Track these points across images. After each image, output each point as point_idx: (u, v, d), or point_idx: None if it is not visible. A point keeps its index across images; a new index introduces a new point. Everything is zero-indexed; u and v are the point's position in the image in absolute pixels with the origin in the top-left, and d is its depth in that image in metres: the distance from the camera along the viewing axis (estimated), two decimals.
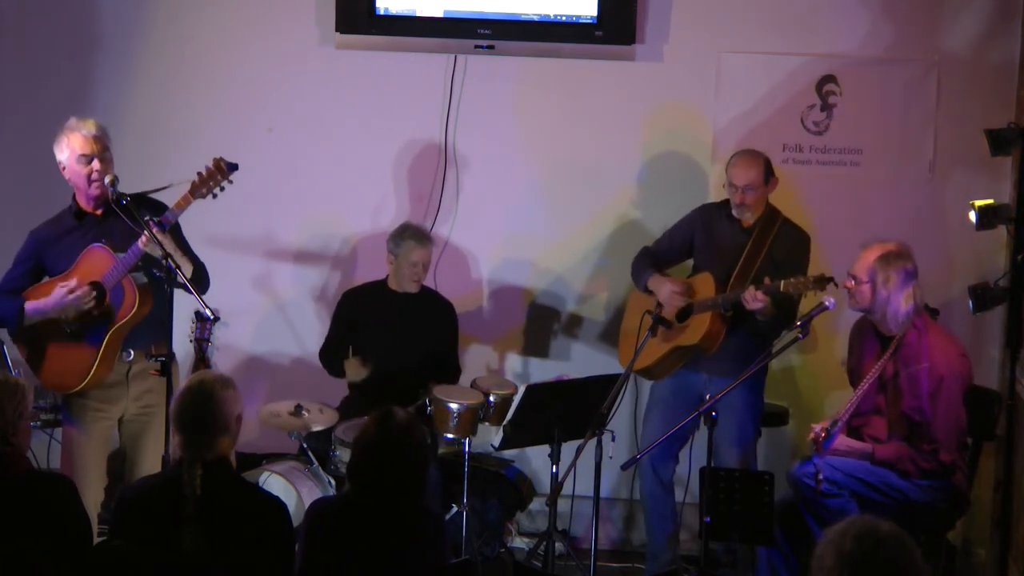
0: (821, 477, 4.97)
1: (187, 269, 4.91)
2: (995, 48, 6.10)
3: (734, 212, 5.58)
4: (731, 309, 5.42)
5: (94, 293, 4.96)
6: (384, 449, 3.86)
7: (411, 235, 5.91)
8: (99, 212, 5.10)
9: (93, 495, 5.05)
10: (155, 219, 4.91)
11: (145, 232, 4.84)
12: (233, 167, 4.94)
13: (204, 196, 4.94)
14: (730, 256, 5.55)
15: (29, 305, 5.04)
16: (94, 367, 5.00)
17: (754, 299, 5.24)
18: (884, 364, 5.09)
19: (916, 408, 5.03)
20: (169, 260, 4.80)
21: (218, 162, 4.94)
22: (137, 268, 4.96)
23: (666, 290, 5.56)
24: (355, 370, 5.83)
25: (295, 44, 6.34)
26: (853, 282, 5.14)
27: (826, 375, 6.26)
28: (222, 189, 4.95)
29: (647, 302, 5.65)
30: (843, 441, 5.06)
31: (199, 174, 4.94)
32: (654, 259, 5.76)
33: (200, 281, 5.08)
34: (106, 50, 6.40)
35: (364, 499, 3.87)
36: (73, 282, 4.96)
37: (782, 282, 5.19)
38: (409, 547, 3.84)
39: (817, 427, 5.04)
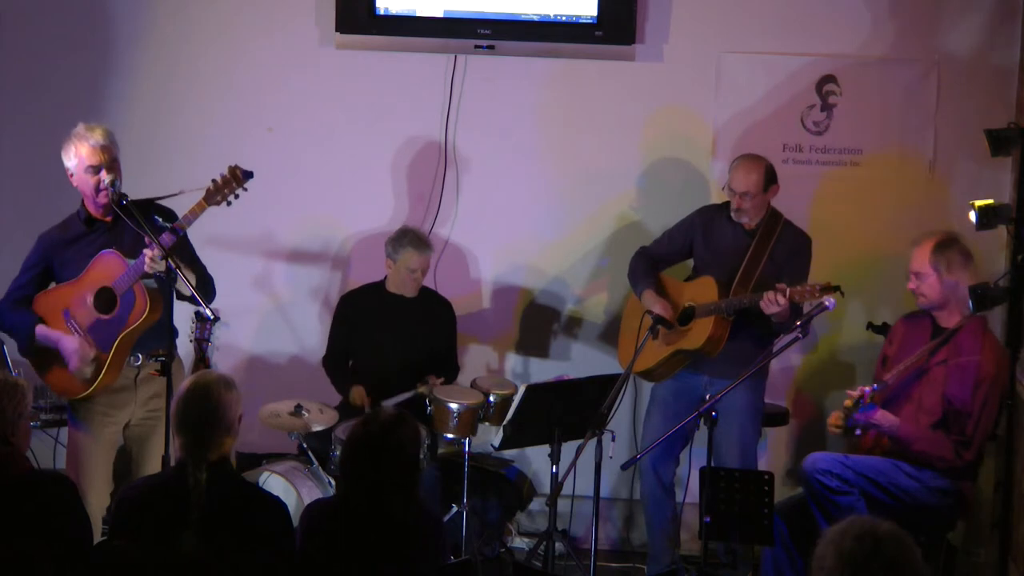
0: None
1: (191, 278, 4.90)
2: (995, 48, 6.10)
3: (732, 215, 5.58)
4: (734, 313, 5.42)
5: (92, 370, 4.99)
6: (367, 447, 3.86)
7: (410, 242, 5.90)
8: (108, 219, 5.10)
9: (99, 499, 5.04)
10: (169, 225, 4.91)
11: (147, 250, 4.84)
12: (248, 175, 4.93)
13: (219, 203, 4.94)
14: (732, 259, 5.54)
15: (40, 331, 5.05)
16: (103, 373, 5.00)
17: (773, 303, 5.22)
18: (936, 346, 5.14)
19: (959, 397, 5.07)
20: (170, 260, 4.80)
21: (234, 170, 4.94)
22: (148, 275, 4.96)
23: (657, 311, 5.54)
24: (359, 398, 5.81)
25: (295, 44, 6.34)
26: (916, 278, 5.18)
27: (826, 375, 6.26)
28: (236, 196, 4.95)
29: None
30: (879, 412, 5.10)
31: (214, 181, 4.93)
32: (652, 260, 5.74)
33: (204, 291, 5.06)
34: (106, 51, 6.40)
35: (354, 498, 3.87)
36: (91, 353, 4.98)
37: (788, 289, 5.18)
38: (406, 547, 3.83)
39: (867, 390, 5.08)
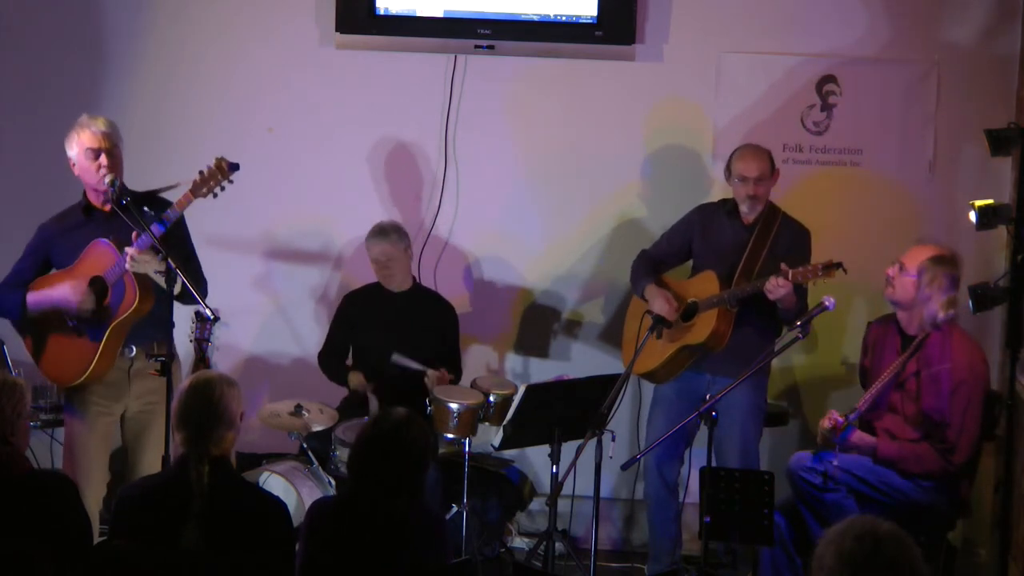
0: (832, 469, 5.01)
1: (177, 286, 4.90)
2: (995, 48, 6.10)
3: (743, 207, 5.56)
4: (736, 304, 5.42)
5: (93, 300, 4.99)
6: (379, 445, 3.87)
7: (371, 232, 5.94)
8: (107, 208, 5.12)
9: (95, 490, 5.08)
10: (156, 216, 4.92)
11: (129, 248, 4.85)
12: (234, 167, 4.96)
13: (205, 195, 4.96)
14: (731, 255, 5.54)
15: (31, 296, 5.08)
16: (94, 362, 5.01)
17: (778, 287, 5.22)
18: (905, 361, 5.11)
19: (936, 408, 5.05)
20: (168, 261, 4.82)
21: (220, 162, 4.96)
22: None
23: (659, 304, 5.54)
24: (358, 383, 5.83)
25: (295, 44, 6.34)
26: (898, 269, 5.15)
27: (826, 375, 6.26)
28: (223, 188, 4.97)
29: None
30: (855, 434, 5.08)
31: (200, 173, 4.96)
32: (653, 262, 5.74)
33: (195, 291, 5.03)
34: (107, 51, 6.40)
35: (361, 495, 3.88)
36: (82, 287, 4.98)
37: (791, 271, 5.18)
38: (408, 546, 3.84)
39: (835, 416, 5.05)
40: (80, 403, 5.14)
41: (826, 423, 5.09)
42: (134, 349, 5.11)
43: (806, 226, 5.60)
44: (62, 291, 5.03)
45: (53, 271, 5.18)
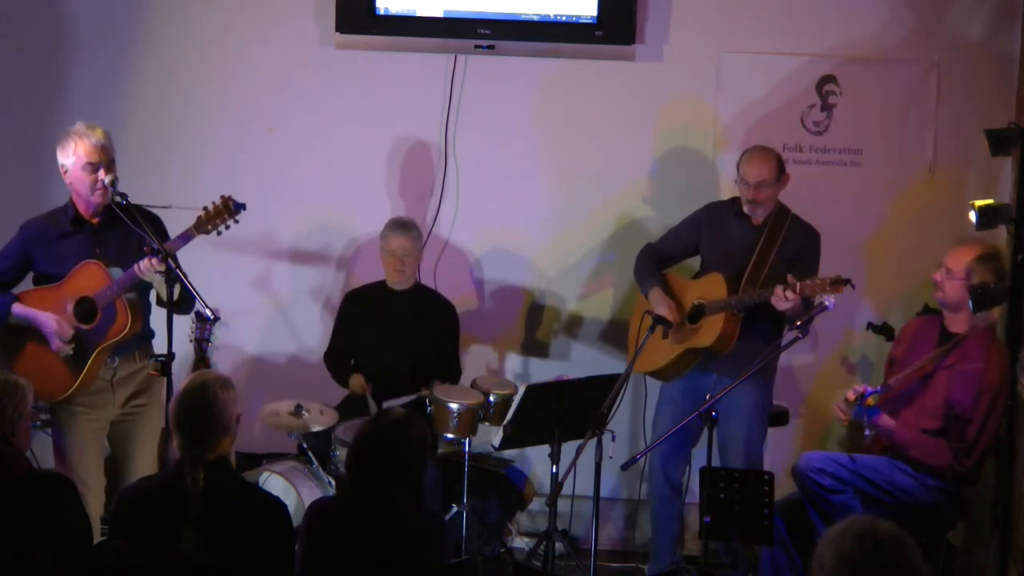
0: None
1: (176, 291, 4.89)
2: (995, 48, 6.09)
3: (746, 209, 5.56)
4: (744, 310, 5.41)
5: (73, 346, 4.98)
6: (377, 444, 3.87)
7: (391, 225, 5.95)
8: (96, 221, 5.09)
9: (95, 499, 5.05)
10: (155, 247, 4.85)
11: (144, 260, 4.83)
12: (240, 207, 4.94)
13: (208, 232, 4.94)
14: (740, 255, 5.53)
15: (17, 308, 5.04)
16: (78, 381, 5.01)
17: (784, 299, 5.21)
18: (947, 351, 5.14)
19: (961, 402, 5.07)
20: (170, 261, 4.81)
21: (226, 200, 4.93)
22: (130, 290, 4.97)
23: (662, 311, 5.53)
24: (359, 385, 5.83)
25: (295, 44, 6.34)
26: (945, 273, 5.18)
27: (827, 375, 6.25)
28: (227, 227, 4.95)
29: None
30: (881, 418, 5.09)
31: (205, 209, 4.93)
32: (658, 257, 5.73)
33: (185, 304, 5.04)
34: (107, 51, 6.40)
35: (360, 495, 3.88)
36: (68, 332, 4.97)
37: (798, 284, 5.17)
38: (408, 546, 3.84)
39: (869, 389, 5.05)
40: (66, 415, 5.10)
41: (850, 394, 5.08)
42: (116, 360, 5.10)
43: (816, 229, 5.58)
44: (49, 325, 4.98)
45: (34, 277, 5.13)
